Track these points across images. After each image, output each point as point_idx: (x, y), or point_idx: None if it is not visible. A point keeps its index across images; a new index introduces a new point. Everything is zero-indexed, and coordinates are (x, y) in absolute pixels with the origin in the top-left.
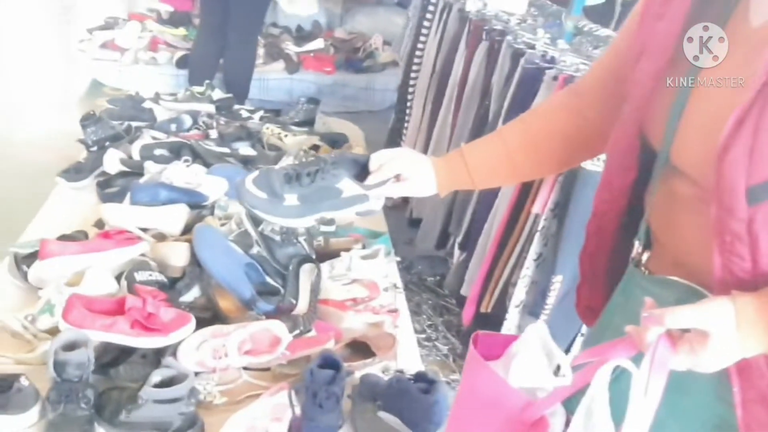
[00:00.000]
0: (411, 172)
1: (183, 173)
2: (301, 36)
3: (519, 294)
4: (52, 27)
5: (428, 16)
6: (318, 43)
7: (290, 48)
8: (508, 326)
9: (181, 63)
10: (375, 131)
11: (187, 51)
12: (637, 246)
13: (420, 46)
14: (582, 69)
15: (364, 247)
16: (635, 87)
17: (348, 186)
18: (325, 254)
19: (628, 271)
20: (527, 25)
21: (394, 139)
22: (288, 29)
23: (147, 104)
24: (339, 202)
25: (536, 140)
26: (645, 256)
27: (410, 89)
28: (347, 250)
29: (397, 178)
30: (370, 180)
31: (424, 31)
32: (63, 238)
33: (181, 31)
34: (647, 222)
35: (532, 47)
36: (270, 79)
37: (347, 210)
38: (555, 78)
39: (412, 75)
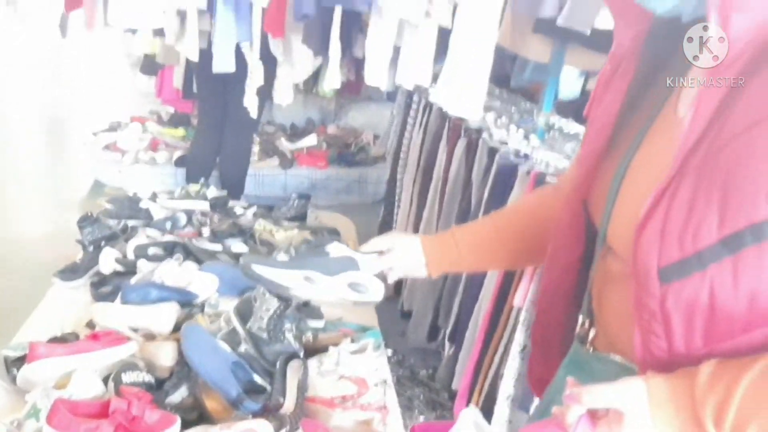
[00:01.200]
0: (400, 245)
1: (174, 272)
2: (295, 133)
3: (507, 387)
4: (60, 128)
5: (411, 113)
6: (311, 140)
7: (284, 145)
8: (499, 420)
9: (179, 162)
10: (367, 224)
11: (185, 150)
12: (582, 322)
13: (405, 141)
14: (552, 165)
15: (353, 342)
16: (580, 166)
17: (335, 247)
18: (314, 350)
19: (574, 346)
20: (502, 122)
21: (384, 231)
22: (282, 126)
23: (144, 203)
24: (327, 262)
25: (522, 228)
26: (591, 333)
27: (398, 182)
28: (336, 344)
29: (387, 252)
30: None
31: (408, 127)
32: (53, 340)
33: (180, 131)
34: (590, 298)
35: (507, 144)
36: (265, 175)
37: (338, 278)
38: (528, 173)
39: (399, 169)
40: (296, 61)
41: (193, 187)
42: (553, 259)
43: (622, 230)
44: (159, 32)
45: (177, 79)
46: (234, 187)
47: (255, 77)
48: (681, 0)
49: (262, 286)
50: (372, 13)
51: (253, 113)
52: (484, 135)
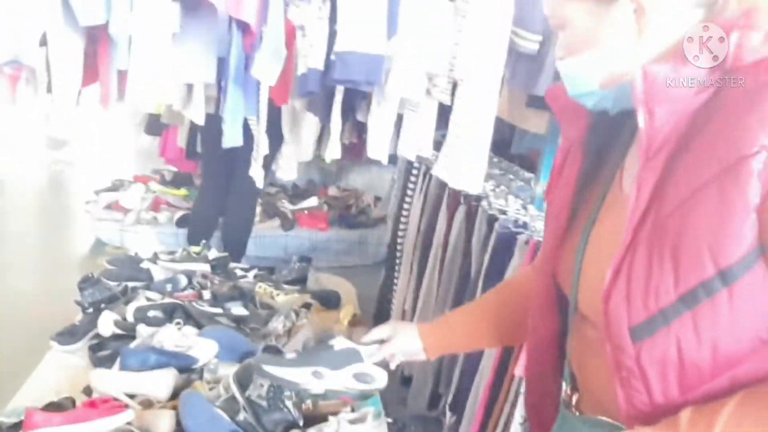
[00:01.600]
0: (399, 334)
1: (174, 336)
2: (297, 194)
3: None
4: (62, 186)
5: (412, 179)
6: (312, 201)
7: (286, 206)
8: None
9: (180, 222)
10: (368, 286)
11: (187, 211)
12: (565, 388)
13: (406, 206)
14: None
15: (353, 410)
16: (545, 243)
17: (339, 341)
18: (314, 418)
19: (561, 412)
20: (500, 191)
21: (384, 295)
22: (284, 187)
23: (145, 264)
24: (332, 357)
25: (513, 307)
26: (574, 398)
27: (398, 246)
28: (336, 413)
29: (387, 340)
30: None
31: (408, 192)
32: (50, 406)
33: (183, 191)
34: (570, 365)
35: (506, 212)
36: (266, 236)
37: (344, 371)
38: (527, 242)
39: (400, 233)
40: (303, 138)
41: (195, 249)
42: (534, 332)
43: (591, 299)
44: None
45: (181, 139)
46: (236, 249)
47: (261, 150)
48: (602, 97)
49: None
50: (374, 92)
51: (259, 183)
52: (483, 203)
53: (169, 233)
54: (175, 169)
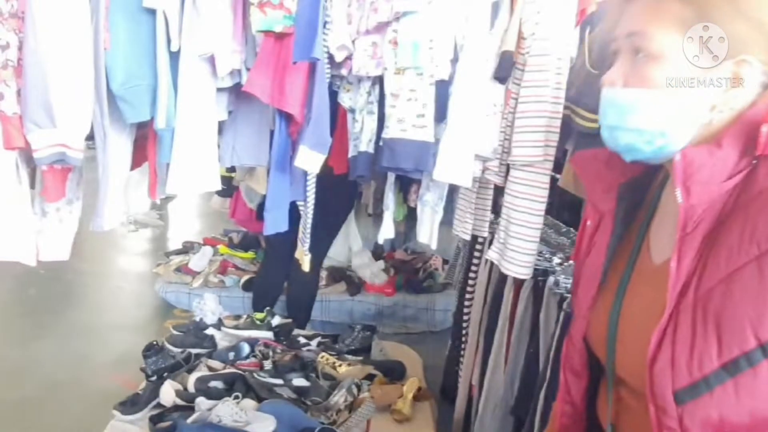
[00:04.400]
0: None
1: (232, 411)
2: None
3: None
4: (133, 248)
5: (478, 246)
6: (379, 265)
7: (352, 270)
8: None
9: (247, 286)
10: (435, 354)
11: (253, 274)
12: None
13: (471, 275)
14: None
15: None
16: (578, 308)
17: None
18: None
19: None
20: (569, 266)
21: (451, 367)
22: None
23: (209, 331)
24: None
25: None
26: None
27: (465, 317)
28: None
29: None
30: None
31: (474, 261)
32: None
33: (250, 254)
34: (602, 424)
35: None
36: (331, 301)
37: None
38: None
39: (466, 303)
40: None
41: (258, 315)
42: (565, 394)
43: (632, 365)
44: None
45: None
46: (301, 315)
47: (308, 233)
48: (644, 141)
49: None
50: (423, 176)
51: (305, 267)
52: (551, 279)
53: (236, 296)
54: (244, 230)
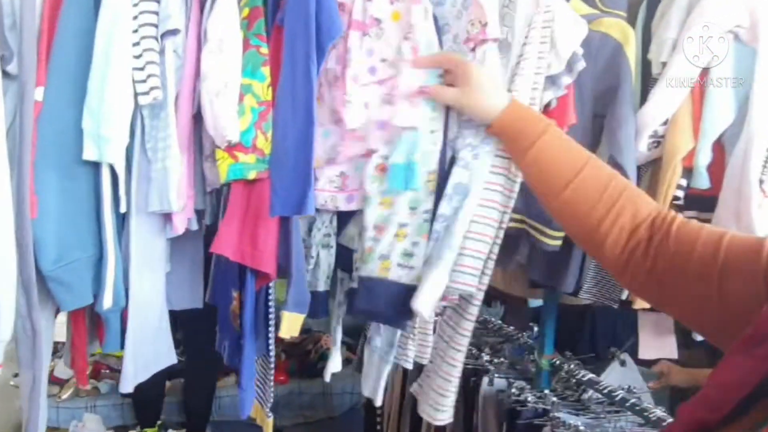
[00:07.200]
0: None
1: None
2: None
3: None
4: None
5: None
6: None
7: None
8: None
9: None
10: None
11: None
12: None
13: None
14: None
15: None
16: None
17: None
18: None
19: None
20: (498, 362)
21: None
22: None
23: None
24: None
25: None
26: None
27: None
28: None
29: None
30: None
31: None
32: None
33: None
34: None
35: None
36: (223, 397)
37: None
38: None
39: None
40: None
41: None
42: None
43: None
44: None
45: None
46: (200, 420)
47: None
48: None
49: None
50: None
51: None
52: (485, 379)
53: (115, 404)
54: None
